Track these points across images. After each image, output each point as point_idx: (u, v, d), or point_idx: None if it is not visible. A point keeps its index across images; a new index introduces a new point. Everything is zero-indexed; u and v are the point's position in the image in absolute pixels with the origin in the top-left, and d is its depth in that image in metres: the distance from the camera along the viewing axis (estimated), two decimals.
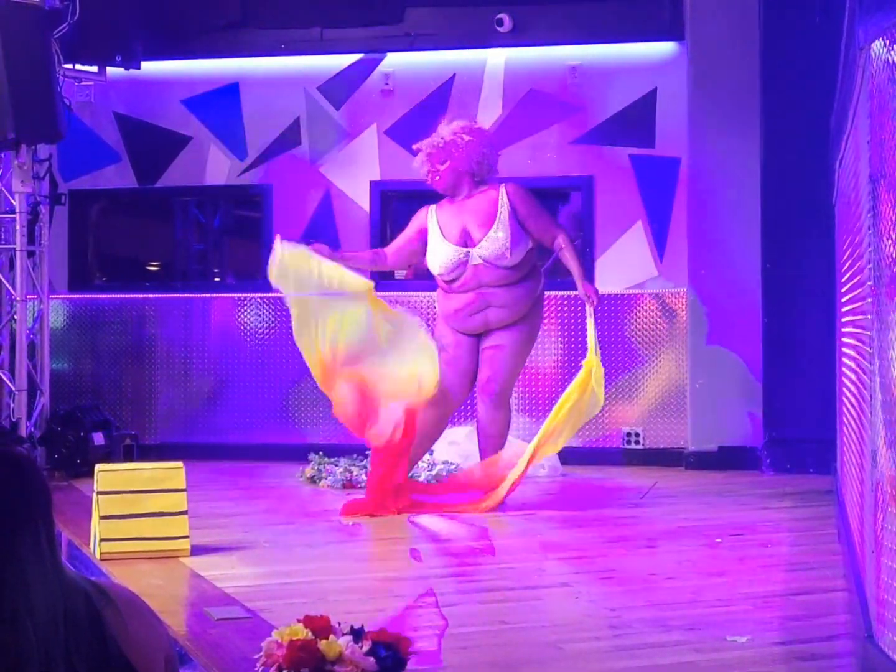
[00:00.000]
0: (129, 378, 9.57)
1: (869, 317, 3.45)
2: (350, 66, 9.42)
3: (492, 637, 3.94)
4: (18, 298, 8.19)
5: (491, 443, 6.92)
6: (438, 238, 6.99)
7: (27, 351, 8.23)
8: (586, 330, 7.01)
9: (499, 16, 8.94)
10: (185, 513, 5.30)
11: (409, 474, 7.06)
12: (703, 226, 8.72)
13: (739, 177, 8.60)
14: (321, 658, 3.32)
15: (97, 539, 5.23)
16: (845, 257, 5.46)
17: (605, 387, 8.99)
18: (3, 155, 8.27)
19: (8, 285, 8.30)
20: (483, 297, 6.90)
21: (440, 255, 6.96)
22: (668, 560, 5.25)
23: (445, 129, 7.00)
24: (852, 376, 4.71)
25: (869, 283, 3.41)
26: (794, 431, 8.30)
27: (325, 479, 7.74)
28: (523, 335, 6.98)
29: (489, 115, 9.01)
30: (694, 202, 8.75)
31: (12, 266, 8.30)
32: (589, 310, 6.96)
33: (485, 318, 6.95)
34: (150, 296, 9.65)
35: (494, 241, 6.83)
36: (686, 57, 8.84)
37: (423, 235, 7.09)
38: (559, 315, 9.00)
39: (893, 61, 2.98)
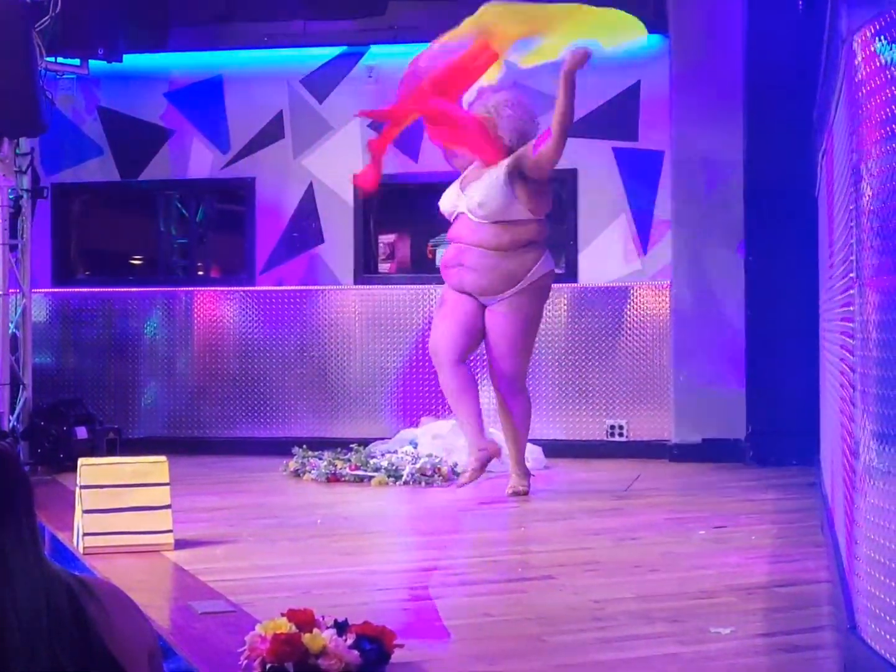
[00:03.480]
0: (113, 372, 9.55)
1: (851, 309, 3.46)
2: (333, 59, 9.41)
3: (476, 630, 3.94)
4: (1, 293, 8.16)
5: (511, 430, 6.99)
6: (458, 180, 7.10)
7: (10, 345, 8.21)
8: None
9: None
10: (168, 507, 5.29)
11: (384, 471, 7.23)
12: (687, 219, 8.73)
13: (723, 170, 8.62)
14: (305, 651, 3.32)
15: (80, 533, 5.22)
16: (828, 249, 5.48)
17: (592, 380, 9.03)
18: None
19: None
20: (459, 252, 6.96)
21: (446, 194, 7.09)
22: (651, 552, 5.25)
23: (492, 100, 6.99)
24: (835, 369, 4.73)
25: (851, 275, 3.42)
26: (778, 424, 8.32)
27: (309, 472, 7.74)
28: (518, 320, 6.90)
29: None
30: (677, 195, 8.76)
31: None
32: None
33: (459, 276, 6.97)
34: (134, 290, 9.63)
35: (475, 189, 6.89)
36: (669, 50, 8.84)
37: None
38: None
39: (876, 53, 2.99)
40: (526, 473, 7.02)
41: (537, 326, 7.11)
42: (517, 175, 6.83)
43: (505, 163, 6.85)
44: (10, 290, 8.26)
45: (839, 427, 4.26)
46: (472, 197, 6.88)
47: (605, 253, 8.99)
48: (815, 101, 6.25)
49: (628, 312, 8.93)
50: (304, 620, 3.41)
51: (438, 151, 7.57)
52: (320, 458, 7.94)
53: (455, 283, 7.01)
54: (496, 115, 6.94)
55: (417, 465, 7.49)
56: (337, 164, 9.34)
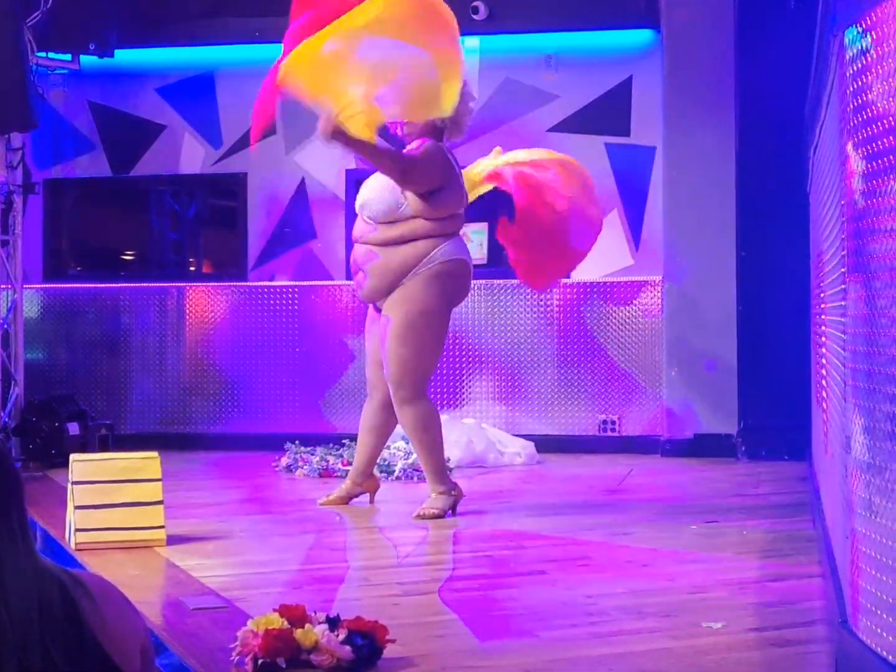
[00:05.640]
0: (105, 368, 9.54)
1: (842, 304, 3.47)
2: None
3: (468, 625, 3.94)
4: None
5: (414, 446, 6.26)
6: None
7: (1, 341, 8.20)
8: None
9: (474, 3, 8.92)
10: (160, 503, 5.28)
11: (377, 466, 6.69)
12: (679, 214, 8.73)
13: (715, 165, 8.62)
14: (297, 647, 3.32)
15: (72, 529, 5.21)
16: (819, 245, 5.49)
17: (584, 375, 9.03)
18: None
19: None
20: (355, 252, 6.17)
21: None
22: (643, 547, 5.26)
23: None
24: (826, 363, 4.73)
25: (842, 270, 3.42)
26: (769, 419, 8.34)
27: (302, 468, 7.74)
28: (405, 312, 5.93)
29: None
30: (669, 191, 8.76)
31: None
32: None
33: (359, 284, 6.18)
34: (125, 285, 9.62)
35: (364, 186, 6.21)
36: (661, 45, 8.85)
37: None
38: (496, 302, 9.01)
39: (867, 48, 2.99)
40: (444, 493, 6.06)
41: (433, 325, 5.98)
42: None
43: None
44: (2, 286, 8.26)
45: (830, 421, 4.27)
46: (359, 195, 6.16)
47: (598, 248, 8.93)
48: (806, 96, 6.25)
49: (620, 308, 8.93)
50: (296, 616, 3.41)
51: None
52: (312, 454, 7.95)
53: (358, 290, 6.30)
54: None
55: (409, 461, 7.50)
56: (329, 159, 9.32)
